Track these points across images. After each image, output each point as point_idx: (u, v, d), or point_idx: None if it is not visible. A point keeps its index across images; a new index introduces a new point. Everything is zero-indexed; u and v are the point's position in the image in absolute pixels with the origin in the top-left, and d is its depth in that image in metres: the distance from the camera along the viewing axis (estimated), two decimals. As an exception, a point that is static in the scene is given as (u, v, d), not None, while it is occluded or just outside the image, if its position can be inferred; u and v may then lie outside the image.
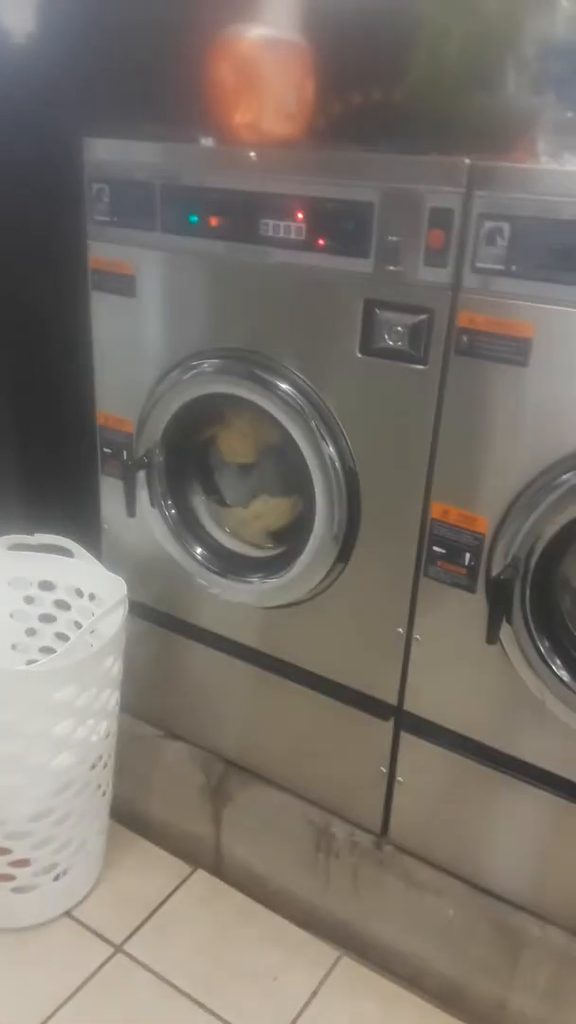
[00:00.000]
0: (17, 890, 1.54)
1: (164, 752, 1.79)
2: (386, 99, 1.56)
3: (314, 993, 1.53)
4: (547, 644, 1.26)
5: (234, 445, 1.57)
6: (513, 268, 1.11)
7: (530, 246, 1.10)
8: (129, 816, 1.81)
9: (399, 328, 1.23)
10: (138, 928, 1.62)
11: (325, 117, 1.51)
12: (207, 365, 1.44)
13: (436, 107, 1.52)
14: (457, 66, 1.52)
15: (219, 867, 1.74)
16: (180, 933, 1.61)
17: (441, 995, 1.52)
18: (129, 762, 1.74)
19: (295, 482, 1.46)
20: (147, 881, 1.71)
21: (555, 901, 1.41)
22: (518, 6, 1.48)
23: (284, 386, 1.37)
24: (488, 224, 1.11)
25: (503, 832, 1.43)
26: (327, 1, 1.55)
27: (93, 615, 1.60)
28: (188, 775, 1.75)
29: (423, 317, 1.20)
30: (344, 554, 1.40)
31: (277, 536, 1.57)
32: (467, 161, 1.12)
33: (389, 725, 1.48)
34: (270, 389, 1.38)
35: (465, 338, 1.18)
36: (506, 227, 1.10)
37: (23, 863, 1.51)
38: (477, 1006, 1.48)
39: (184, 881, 1.72)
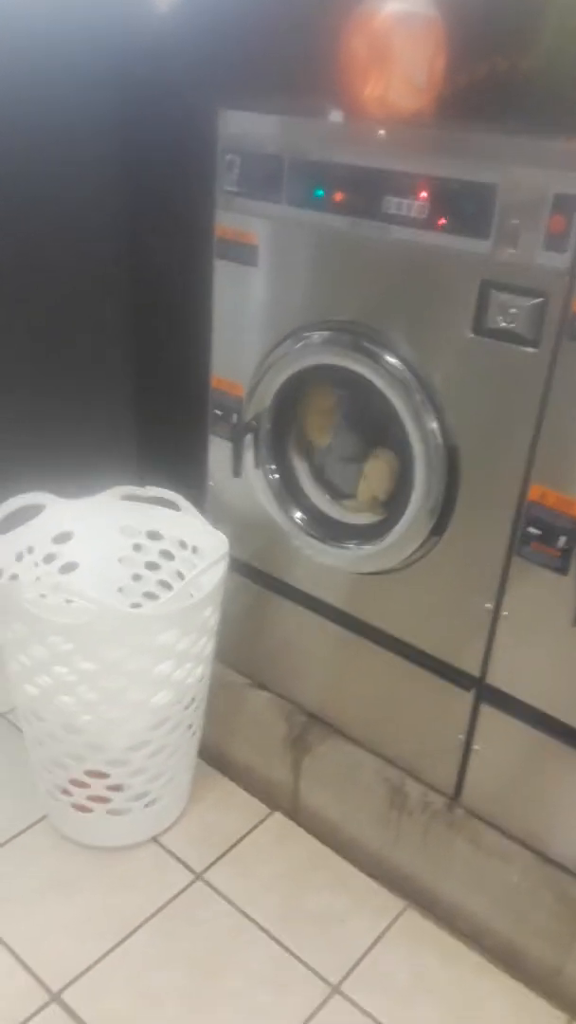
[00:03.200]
0: (112, 812, 1.67)
1: (251, 700, 1.89)
2: (514, 72, 1.55)
3: (378, 939, 1.61)
4: None
5: (318, 424, 1.62)
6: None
7: None
8: (215, 756, 1.92)
9: (513, 310, 1.25)
10: (218, 860, 1.73)
11: (454, 91, 1.52)
12: (317, 336, 1.49)
13: (564, 82, 1.50)
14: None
15: (295, 812, 1.84)
16: (256, 868, 1.72)
17: (500, 955, 1.57)
18: (218, 706, 1.84)
19: (399, 455, 1.51)
20: (228, 818, 1.82)
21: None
22: None
23: (391, 359, 1.41)
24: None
25: (574, 808, 1.47)
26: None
27: (195, 567, 1.69)
28: (272, 723, 1.84)
29: (539, 300, 1.22)
30: (439, 527, 1.45)
31: (381, 505, 1.62)
32: (594, 146, 1.13)
33: (470, 695, 1.52)
34: (377, 361, 1.42)
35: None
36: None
37: (118, 788, 1.64)
38: (534, 969, 1.53)
39: (262, 821, 1.83)
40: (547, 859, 1.52)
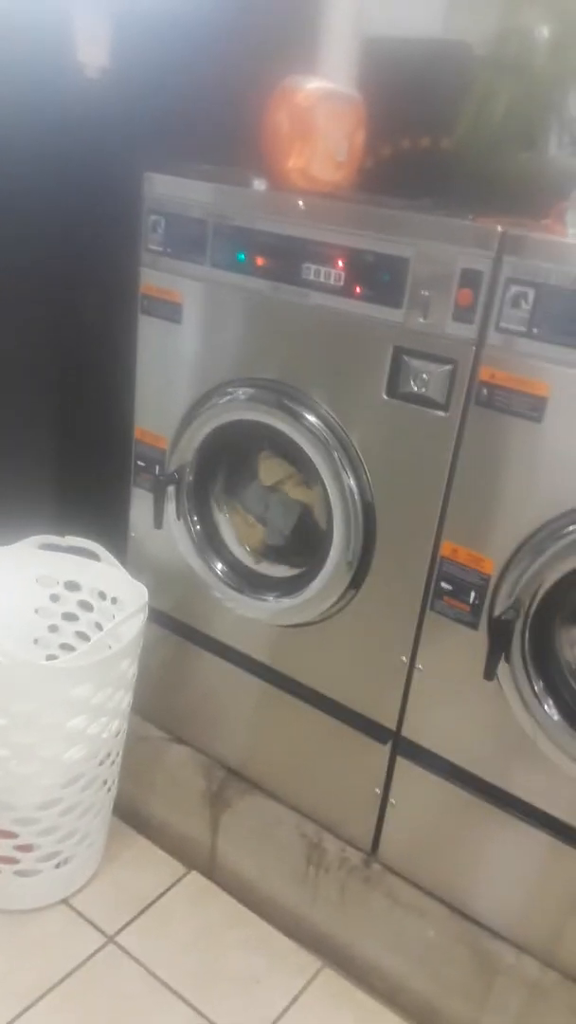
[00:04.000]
0: (20, 873, 1.61)
1: (169, 755, 1.87)
2: (431, 154, 1.65)
3: (294, 1000, 1.59)
4: (542, 685, 1.32)
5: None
6: (534, 331, 1.19)
7: (552, 312, 1.17)
8: (130, 813, 1.88)
9: (424, 376, 1.31)
10: (131, 921, 1.69)
11: (373, 167, 1.60)
12: (241, 393, 1.52)
13: (479, 163, 1.60)
14: (501, 126, 1.60)
15: (213, 870, 1.81)
16: (170, 930, 1.68)
17: (416, 1013, 1.57)
18: (135, 762, 1.81)
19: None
20: (143, 877, 1.78)
21: (532, 932, 1.47)
22: (565, 76, 1.56)
23: (311, 418, 1.45)
24: (514, 288, 1.19)
25: (488, 862, 1.49)
26: (383, 58, 1.65)
27: (114, 618, 1.68)
28: (190, 779, 1.82)
29: (447, 368, 1.28)
30: (356, 581, 1.48)
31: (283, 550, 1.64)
32: (499, 228, 1.20)
33: (386, 749, 1.54)
34: (298, 419, 1.46)
35: (485, 391, 1.26)
36: (531, 292, 1.18)
37: (28, 848, 1.59)
38: (449, 1028, 1.53)
39: (179, 880, 1.79)
40: (463, 913, 1.53)
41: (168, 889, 1.77)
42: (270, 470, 1.66)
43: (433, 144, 1.69)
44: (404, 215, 1.30)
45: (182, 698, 1.85)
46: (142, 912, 1.71)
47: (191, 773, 1.83)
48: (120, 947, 1.64)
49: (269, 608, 1.61)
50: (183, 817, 1.83)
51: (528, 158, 1.64)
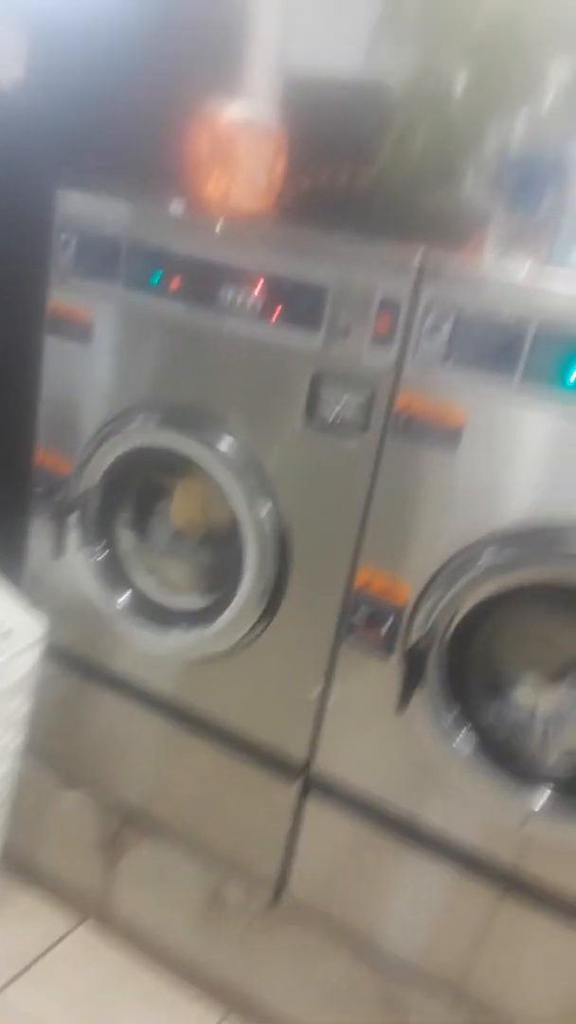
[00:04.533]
0: None
1: (63, 799, 1.76)
2: (351, 184, 1.67)
3: (195, 1055, 1.50)
4: (456, 713, 1.32)
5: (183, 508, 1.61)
6: (452, 357, 1.21)
7: (469, 341, 1.20)
8: (20, 862, 1.76)
9: (342, 403, 1.30)
10: (18, 976, 1.57)
11: (293, 196, 1.61)
12: (153, 417, 1.48)
13: (397, 196, 1.64)
14: (419, 161, 1.65)
15: (109, 919, 1.71)
16: (62, 984, 1.57)
17: (322, 1062, 1.51)
18: (26, 807, 1.70)
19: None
20: (33, 929, 1.67)
21: (441, 969, 1.44)
22: (481, 115, 1.62)
23: (224, 444, 1.42)
24: (433, 316, 1.21)
25: (398, 899, 1.46)
26: (303, 92, 1.67)
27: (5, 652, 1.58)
28: (85, 824, 1.72)
29: (365, 395, 1.28)
30: (270, 611, 1.45)
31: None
32: (418, 257, 1.22)
33: (295, 786, 1.50)
34: (210, 446, 1.43)
35: (402, 419, 1.27)
36: (449, 321, 1.20)
37: None
38: (357, 1075, 1.48)
39: (71, 931, 1.68)
40: (371, 953, 1.49)
41: (59, 941, 1.66)
42: (183, 500, 1.61)
43: (352, 179, 1.71)
44: (325, 241, 1.30)
45: (81, 738, 1.75)
46: (31, 966, 1.59)
47: (86, 818, 1.73)
48: (7, 1004, 1.51)
49: (176, 641, 1.55)
50: (76, 865, 1.72)
51: (446, 194, 1.69)
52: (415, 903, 1.44)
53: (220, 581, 1.54)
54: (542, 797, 1.28)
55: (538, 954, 1.36)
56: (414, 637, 1.31)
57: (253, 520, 1.41)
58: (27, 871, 1.77)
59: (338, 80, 1.62)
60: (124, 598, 1.61)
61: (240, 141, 1.46)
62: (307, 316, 1.30)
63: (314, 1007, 1.51)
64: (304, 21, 1.55)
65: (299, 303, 1.31)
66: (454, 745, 1.31)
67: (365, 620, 1.37)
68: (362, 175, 1.63)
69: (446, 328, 1.19)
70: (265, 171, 1.49)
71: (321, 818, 1.49)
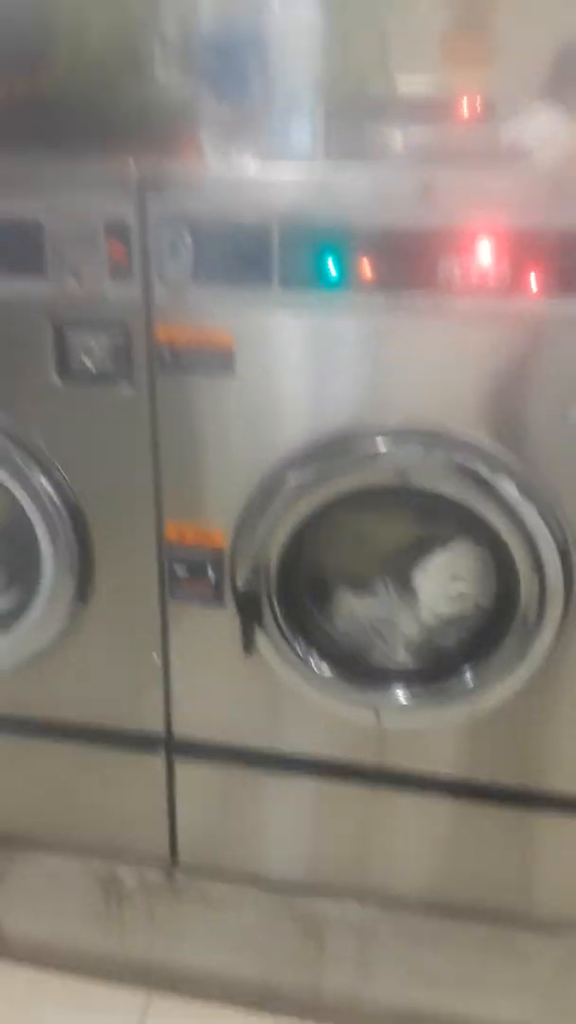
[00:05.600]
0: None
1: None
2: (34, 96, 1.45)
3: (133, 1043, 1.46)
4: (303, 644, 1.27)
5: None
6: (202, 276, 1.08)
7: (214, 253, 1.07)
8: None
9: (95, 349, 1.14)
10: None
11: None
12: None
13: (87, 101, 1.43)
14: (99, 50, 1.44)
15: (3, 946, 1.59)
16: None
17: (259, 1000, 1.51)
18: None
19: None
20: None
21: (343, 876, 1.45)
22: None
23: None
24: (168, 233, 1.06)
25: (288, 827, 1.44)
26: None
27: None
28: (-53, 861, 1.57)
29: (119, 336, 1.13)
30: (82, 592, 1.31)
31: None
32: (132, 164, 1.05)
33: (160, 755, 1.42)
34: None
35: (167, 353, 1.13)
36: (187, 235, 1.06)
37: None
38: (295, 1000, 1.49)
39: (-37, 974, 1.55)
40: (275, 887, 1.48)
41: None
42: None
43: (33, 86, 1.48)
44: (22, 168, 1.11)
45: None
46: None
47: (-53, 854, 1.57)
48: None
49: (-13, 648, 1.38)
50: (-49, 904, 1.58)
51: (137, 84, 1.50)
52: (299, 826, 1.43)
53: (18, 575, 1.38)
54: (398, 694, 1.27)
55: (422, 833, 1.39)
56: (240, 578, 1.23)
57: (32, 497, 1.25)
58: None
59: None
60: None
61: None
62: (24, 257, 1.11)
63: (234, 956, 1.50)
64: None
65: (11, 245, 1.11)
66: (309, 673, 1.27)
67: (187, 573, 1.27)
68: (43, 82, 1.41)
69: (186, 245, 1.05)
70: None
71: (194, 776, 1.43)
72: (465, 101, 1.53)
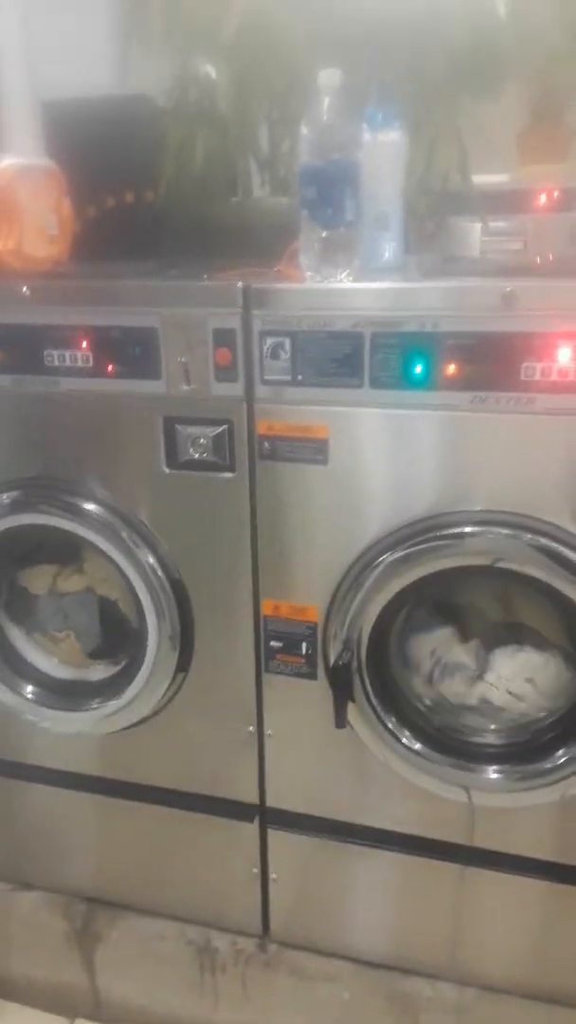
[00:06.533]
0: None
1: (17, 904, 1.66)
2: (138, 209, 1.60)
3: None
4: (394, 719, 1.31)
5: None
6: (299, 377, 1.18)
7: (311, 357, 1.17)
8: (-9, 983, 1.66)
9: (202, 440, 1.25)
10: None
11: (82, 232, 1.53)
12: (4, 497, 1.38)
13: (187, 215, 1.58)
14: (202, 170, 1.59)
15: (99, 1011, 1.63)
16: None
17: (350, 1080, 1.51)
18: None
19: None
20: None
21: (437, 957, 1.46)
22: (249, 118, 1.58)
23: (90, 506, 1.35)
24: (270, 340, 1.17)
25: (378, 902, 1.46)
26: (67, 120, 1.58)
27: None
28: (47, 924, 1.63)
29: (223, 428, 1.24)
30: (183, 663, 1.39)
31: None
32: (240, 284, 1.17)
33: (255, 825, 1.47)
34: (75, 512, 1.35)
35: (267, 444, 1.23)
36: (287, 341, 1.17)
37: None
38: None
39: (63, 1037, 1.60)
40: (370, 964, 1.49)
41: (54, 1052, 1.57)
42: (36, 578, 1.53)
43: (138, 199, 1.64)
44: (142, 284, 1.24)
45: (17, 838, 1.65)
46: None
47: (47, 917, 1.64)
48: None
49: (94, 716, 1.47)
50: (51, 967, 1.63)
51: (237, 203, 1.64)
52: (394, 901, 1.45)
53: (127, 647, 1.47)
54: (488, 772, 1.30)
55: (514, 914, 1.39)
56: (333, 653, 1.29)
57: (139, 572, 1.35)
58: (1, 987, 1.66)
59: (98, 99, 1.54)
60: (28, 687, 1.52)
61: (19, 189, 1.35)
62: (142, 362, 1.24)
63: (329, 1032, 1.50)
64: (48, 48, 1.45)
65: (130, 351, 1.24)
66: (400, 748, 1.31)
67: (282, 646, 1.34)
68: (147, 196, 1.57)
69: (287, 348, 1.16)
70: (54, 215, 1.39)
71: (288, 848, 1.47)
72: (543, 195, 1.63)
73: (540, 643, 1.33)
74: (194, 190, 1.59)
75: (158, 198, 1.60)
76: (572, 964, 1.40)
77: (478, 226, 1.45)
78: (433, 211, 1.48)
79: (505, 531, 1.18)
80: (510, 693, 1.31)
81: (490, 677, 1.32)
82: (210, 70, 1.60)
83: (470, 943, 1.43)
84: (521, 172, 1.70)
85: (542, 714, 1.31)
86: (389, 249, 1.25)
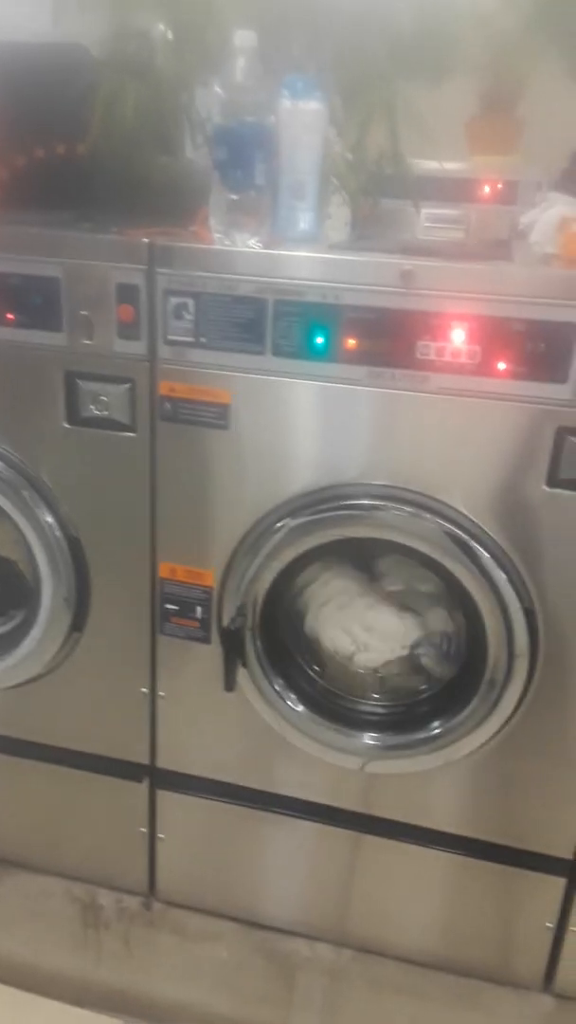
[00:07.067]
0: None
1: None
2: (69, 162, 1.57)
3: (100, 1070, 1.48)
4: (281, 682, 1.33)
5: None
6: (203, 340, 1.18)
7: (214, 320, 1.17)
8: None
9: (103, 397, 1.24)
10: None
11: (10, 180, 1.49)
12: None
13: (117, 171, 1.55)
14: (132, 127, 1.55)
15: (-17, 966, 1.63)
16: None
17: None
18: None
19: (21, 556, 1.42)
20: None
21: (318, 919, 1.49)
22: (186, 78, 1.55)
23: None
24: (174, 300, 1.16)
25: (264, 864, 1.49)
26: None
27: None
28: None
29: (126, 387, 1.23)
30: (77, 622, 1.39)
31: None
32: (146, 240, 1.16)
33: (144, 785, 1.48)
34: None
35: (168, 405, 1.23)
36: (191, 302, 1.16)
37: None
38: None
39: (-57, 993, 1.59)
40: (252, 923, 1.52)
41: None
42: None
43: (69, 152, 1.60)
44: (47, 233, 1.22)
45: None
46: None
47: None
48: None
49: (-15, 672, 1.46)
50: None
51: (167, 162, 1.61)
52: (280, 863, 1.48)
53: (17, 601, 1.46)
54: (367, 740, 1.33)
55: (401, 881, 1.43)
56: (227, 617, 1.30)
57: (37, 530, 1.34)
58: None
59: (31, 45, 1.49)
60: None
61: None
62: (43, 313, 1.22)
63: (207, 990, 1.52)
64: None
65: (32, 301, 1.22)
66: (286, 710, 1.33)
67: (177, 609, 1.34)
68: (79, 149, 1.53)
69: (191, 310, 1.16)
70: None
71: (177, 809, 1.49)
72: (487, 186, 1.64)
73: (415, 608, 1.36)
74: (123, 146, 1.56)
75: (87, 153, 1.56)
76: (449, 928, 1.45)
77: (424, 211, 1.46)
78: (367, 191, 1.48)
79: (398, 507, 1.20)
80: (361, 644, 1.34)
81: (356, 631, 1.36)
82: (148, 25, 1.56)
83: (354, 907, 1.47)
84: (470, 162, 1.70)
85: (422, 686, 1.34)
86: (305, 220, 1.24)
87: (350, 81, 1.39)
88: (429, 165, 1.50)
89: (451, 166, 1.64)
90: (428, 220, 1.49)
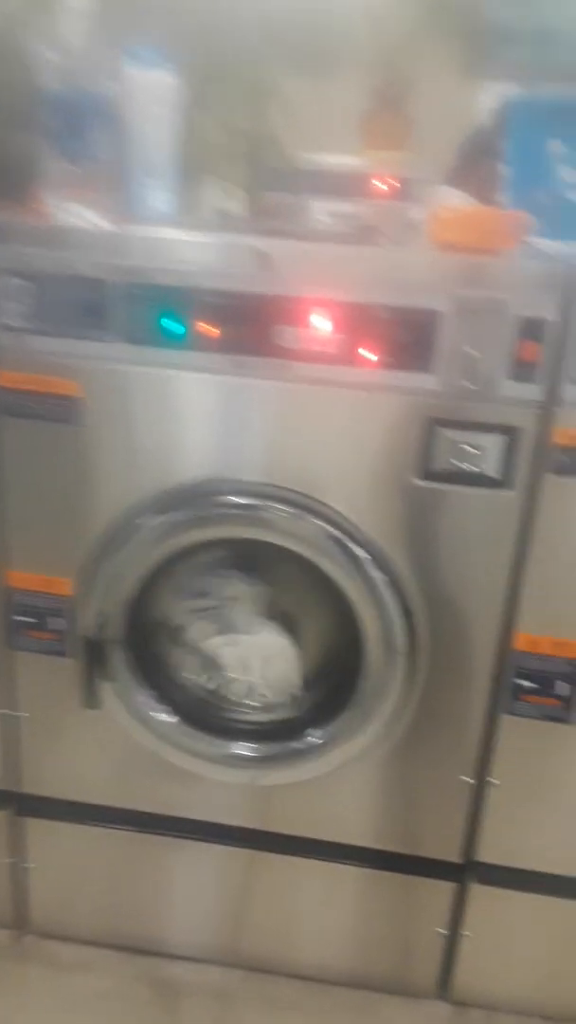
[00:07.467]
0: None
1: None
2: None
3: None
4: (154, 694, 1.24)
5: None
6: (43, 326, 1.07)
7: (54, 302, 1.06)
8: None
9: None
10: None
11: None
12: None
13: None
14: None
15: None
16: None
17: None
18: None
19: None
20: None
21: (207, 941, 1.42)
22: (14, 40, 1.43)
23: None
24: (15, 281, 1.05)
25: (147, 888, 1.41)
26: None
27: None
28: None
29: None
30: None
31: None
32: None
33: (5, 813, 1.37)
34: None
35: (11, 399, 1.11)
36: (26, 284, 1.05)
37: None
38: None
39: None
40: (135, 950, 1.43)
41: None
42: None
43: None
44: None
45: None
46: None
47: None
48: None
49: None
50: None
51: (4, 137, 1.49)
52: (157, 884, 1.40)
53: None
54: (246, 750, 1.26)
55: (293, 896, 1.37)
56: (87, 627, 1.20)
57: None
58: None
59: None
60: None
61: None
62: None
63: (84, 1021, 1.43)
64: None
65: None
66: (161, 725, 1.24)
67: (33, 620, 1.24)
68: None
69: (25, 292, 1.04)
70: None
71: (44, 835, 1.39)
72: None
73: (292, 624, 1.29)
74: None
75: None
76: (346, 942, 1.39)
77: (314, 204, 1.39)
78: (249, 182, 1.40)
79: (268, 504, 1.12)
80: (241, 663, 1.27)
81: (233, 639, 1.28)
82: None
83: (245, 925, 1.40)
84: (364, 156, 1.66)
85: (283, 698, 1.28)
86: (158, 198, 1.15)
87: (217, 61, 1.32)
88: (323, 160, 1.44)
89: (347, 161, 1.58)
90: (321, 215, 1.43)
